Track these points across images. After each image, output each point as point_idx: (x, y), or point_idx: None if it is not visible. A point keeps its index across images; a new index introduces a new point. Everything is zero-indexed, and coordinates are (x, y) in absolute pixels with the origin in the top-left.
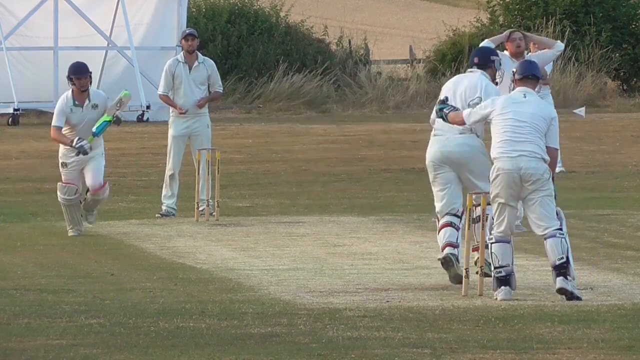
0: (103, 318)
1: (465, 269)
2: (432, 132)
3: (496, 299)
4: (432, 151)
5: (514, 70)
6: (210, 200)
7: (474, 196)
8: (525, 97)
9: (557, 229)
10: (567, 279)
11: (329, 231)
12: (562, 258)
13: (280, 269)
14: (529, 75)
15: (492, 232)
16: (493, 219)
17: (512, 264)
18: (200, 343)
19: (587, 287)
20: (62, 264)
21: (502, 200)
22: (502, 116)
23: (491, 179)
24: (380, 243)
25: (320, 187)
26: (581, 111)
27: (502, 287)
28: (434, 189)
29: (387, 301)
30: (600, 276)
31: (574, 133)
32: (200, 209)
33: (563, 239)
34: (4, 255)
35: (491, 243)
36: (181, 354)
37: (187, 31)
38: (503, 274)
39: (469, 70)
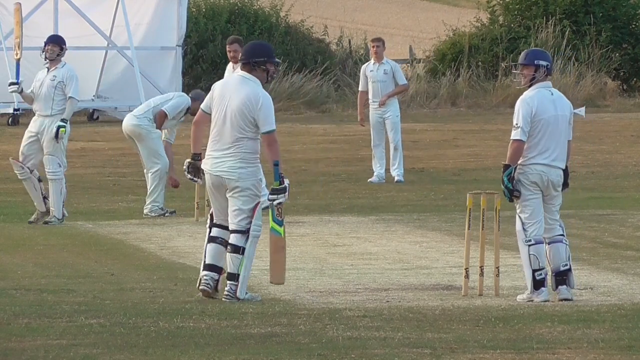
0: (103, 318)
1: (465, 269)
2: None
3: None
4: None
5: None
6: (206, 200)
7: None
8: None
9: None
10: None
11: (329, 231)
12: (565, 264)
13: None
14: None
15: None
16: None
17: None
18: (200, 343)
19: (587, 287)
20: (62, 264)
21: None
22: None
23: None
24: (380, 243)
25: (320, 187)
26: (581, 111)
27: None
28: None
29: (387, 301)
30: (600, 276)
31: (574, 133)
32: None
33: (567, 246)
34: (4, 255)
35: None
36: (181, 354)
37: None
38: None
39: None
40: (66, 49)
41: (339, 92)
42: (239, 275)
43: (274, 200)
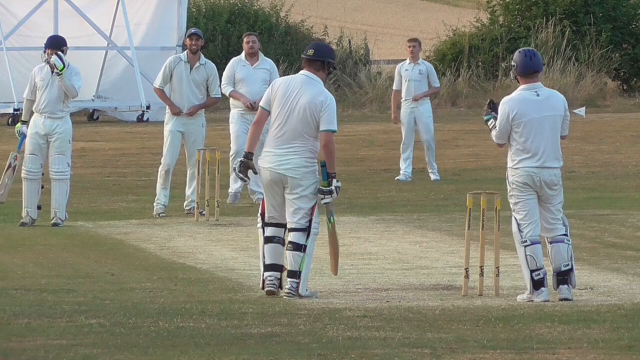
0: (103, 318)
1: (465, 269)
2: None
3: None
4: None
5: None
6: (205, 200)
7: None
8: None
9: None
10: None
11: None
12: (567, 265)
13: None
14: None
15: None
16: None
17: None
18: (200, 343)
19: (587, 287)
20: (62, 264)
21: None
22: None
23: None
24: (380, 243)
25: None
26: (581, 111)
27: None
28: None
29: (387, 301)
30: (600, 276)
31: (574, 133)
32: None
33: (569, 246)
34: (4, 255)
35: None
36: (181, 354)
37: (193, 30)
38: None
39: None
40: (67, 49)
41: (339, 92)
42: (300, 272)
43: (321, 199)
